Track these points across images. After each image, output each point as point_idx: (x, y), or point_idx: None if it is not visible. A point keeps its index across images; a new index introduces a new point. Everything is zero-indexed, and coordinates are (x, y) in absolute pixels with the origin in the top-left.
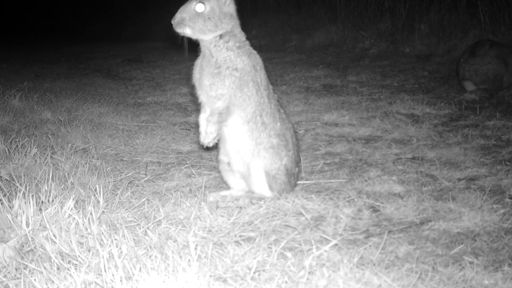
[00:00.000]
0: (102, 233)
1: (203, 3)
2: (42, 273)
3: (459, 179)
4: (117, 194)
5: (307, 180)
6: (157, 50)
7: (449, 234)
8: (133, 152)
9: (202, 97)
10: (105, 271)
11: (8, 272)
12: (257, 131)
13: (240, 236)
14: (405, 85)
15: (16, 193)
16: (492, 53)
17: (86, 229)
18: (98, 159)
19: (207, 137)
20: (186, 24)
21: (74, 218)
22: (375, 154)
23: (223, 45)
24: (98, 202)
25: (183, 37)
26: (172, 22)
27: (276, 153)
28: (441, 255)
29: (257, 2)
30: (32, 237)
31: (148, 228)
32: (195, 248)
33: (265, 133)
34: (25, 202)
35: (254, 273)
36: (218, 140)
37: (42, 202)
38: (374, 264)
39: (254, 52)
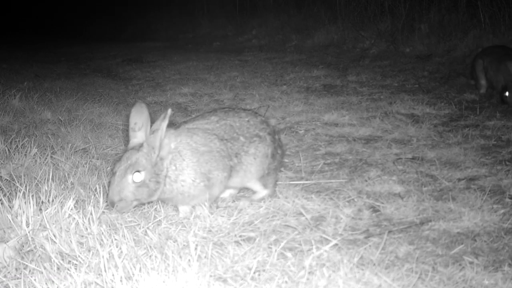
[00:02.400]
0: (102, 233)
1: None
2: (42, 273)
3: (459, 179)
4: None
5: (307, 180)
6: (157, 50)
7: (449, 234)
8: None
9: None
10: (105, 271)
11: (8, 272)
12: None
13: (240, 236)
14: (405, 85)
15: (16, 193)
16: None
17: (86, 229)
18: (98, 159)
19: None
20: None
21: (74, 218)
22: (375, 154)
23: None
24: (98, 202)
25: None
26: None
27: (263, 156)
28: (441, 255)
29: (257, 2)
30: (32, 237)
31: (148, 228)
32: (195, 248)
33: (250, 159)
34: (25, 202)
35: (254, 273)
36: None
37: (42, 202)
38: (374, 264)
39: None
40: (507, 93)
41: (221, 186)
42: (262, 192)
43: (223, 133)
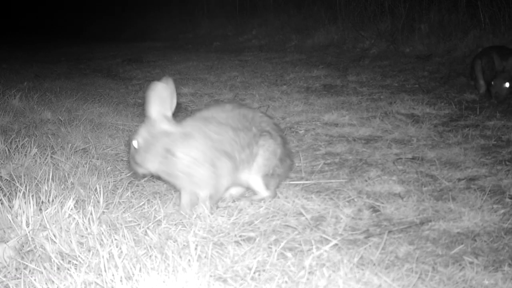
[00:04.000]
0: (102, 233)
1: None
2: (42, 273)
3: (459, 179)
4: (117, 194)
5: (307, 180)
6: (157, 50)
7: (449, 234)
8: None
9: None
10: (105, 271)
11: (8, 272)
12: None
13: (240, 236)
14: (405, 85)
15: (16, 193)
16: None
17: (86, 229)
18: (98, 159)
19: None
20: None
21: (74, 218)
22: (375, 154)
23: None
24: (98, 202)
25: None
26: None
27: (272, 153)
28: (441, 255)
29: (257, 2)
30: (32, 237)
31: (148, 228)
32: (195, 248)
33: (260, 150)
34: (25, 202)
35: (254, 273)
36: None
37: (42, 202)
38: (374, 264)
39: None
40: (493, 82)
41: (229, 178)
42: (263, 193)
43: (237, 122)
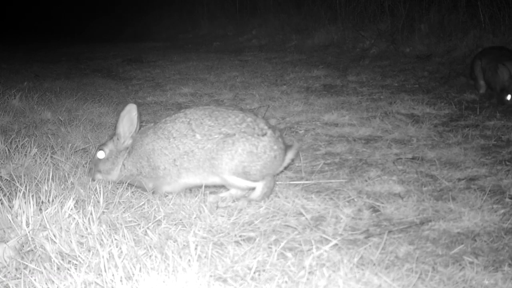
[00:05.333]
0: (102, 233)
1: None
2: (42, 273)
3: (459, 179)
4: (117, 194)
5: (307, 180)
6: (157, 50)
7: (449, 234)
8: None
9: None
10: (105, 271)
11: (8, 272)
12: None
13: (240, 236)
14: (405, 85)
15: (16, 193)
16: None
17: (86, 229)
18: None
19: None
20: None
21: (74, 218)
22: (375, 154)
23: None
24: (98, 202)
25: None
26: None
27: (225, 152)
28: (441, 255)
29: (257, 2)
30: (32, 237)
31: (148, 228)
32: (195, 248)
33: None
34: (25, 202)
35: (254, 273)
36: None
37: (42, 202)
38: (374, 264)
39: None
40: (509, 97)
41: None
42: (251, 184)
43: (202, 127)
